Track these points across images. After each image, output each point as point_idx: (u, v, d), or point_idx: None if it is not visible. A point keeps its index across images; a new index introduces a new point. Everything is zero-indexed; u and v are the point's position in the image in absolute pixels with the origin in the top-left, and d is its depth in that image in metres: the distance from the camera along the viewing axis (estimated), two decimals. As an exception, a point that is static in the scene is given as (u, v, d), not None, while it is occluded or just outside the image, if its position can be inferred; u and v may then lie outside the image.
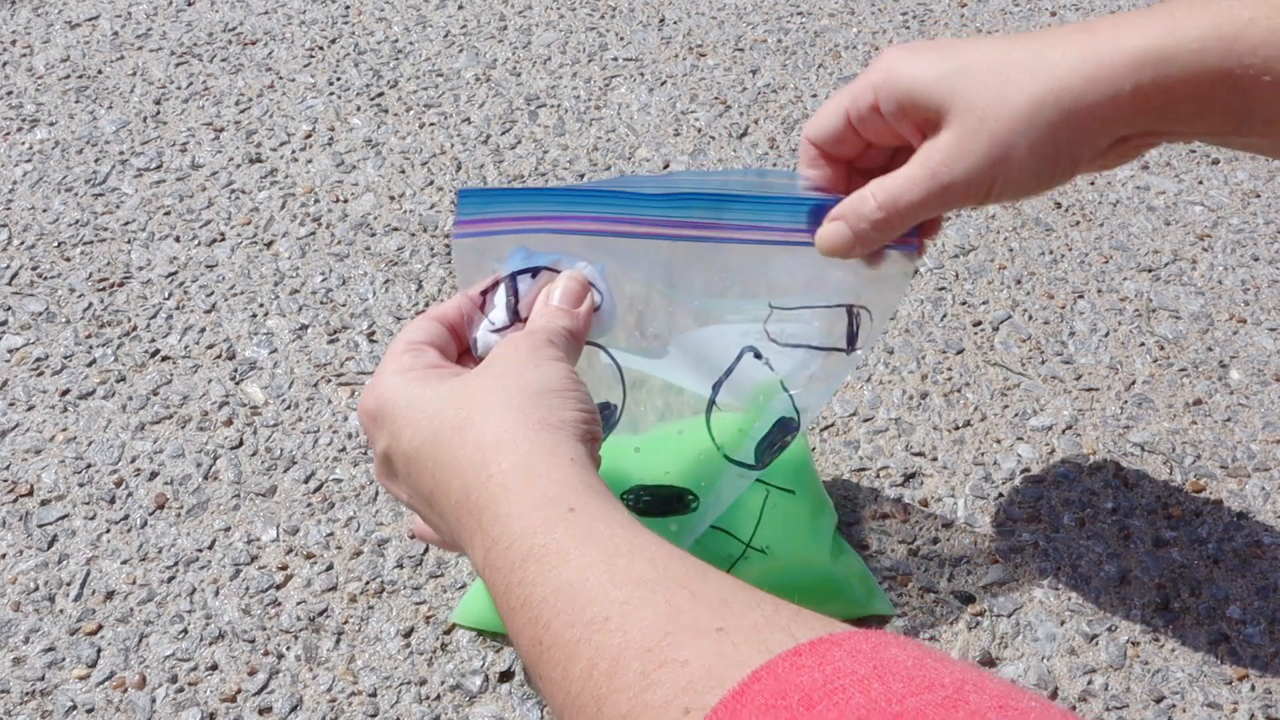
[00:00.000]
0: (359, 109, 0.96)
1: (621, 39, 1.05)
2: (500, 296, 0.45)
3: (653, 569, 0.32)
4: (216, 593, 0.60)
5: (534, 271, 0.45)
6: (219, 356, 0.74)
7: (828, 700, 0.25)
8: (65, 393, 0.71)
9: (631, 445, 0.54)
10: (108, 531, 0.63)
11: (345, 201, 0.86)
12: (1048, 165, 0.41)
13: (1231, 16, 0.38)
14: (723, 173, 0.48)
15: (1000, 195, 0.43)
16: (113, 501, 0.65)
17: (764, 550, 0.56)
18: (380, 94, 0.97)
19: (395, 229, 0.84)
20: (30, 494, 0.65)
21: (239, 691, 0.56)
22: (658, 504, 0.54)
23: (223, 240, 0.83)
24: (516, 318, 0.44)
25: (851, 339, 0.50)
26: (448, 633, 0.59)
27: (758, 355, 0.50)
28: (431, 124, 0.94)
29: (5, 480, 0.66)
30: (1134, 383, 0.74)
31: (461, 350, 0.46)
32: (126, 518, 0.64)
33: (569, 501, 0.35)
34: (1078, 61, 0.40)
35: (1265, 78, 0.38)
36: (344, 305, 0.78)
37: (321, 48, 1.03)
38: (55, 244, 0.82)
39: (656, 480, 0.54)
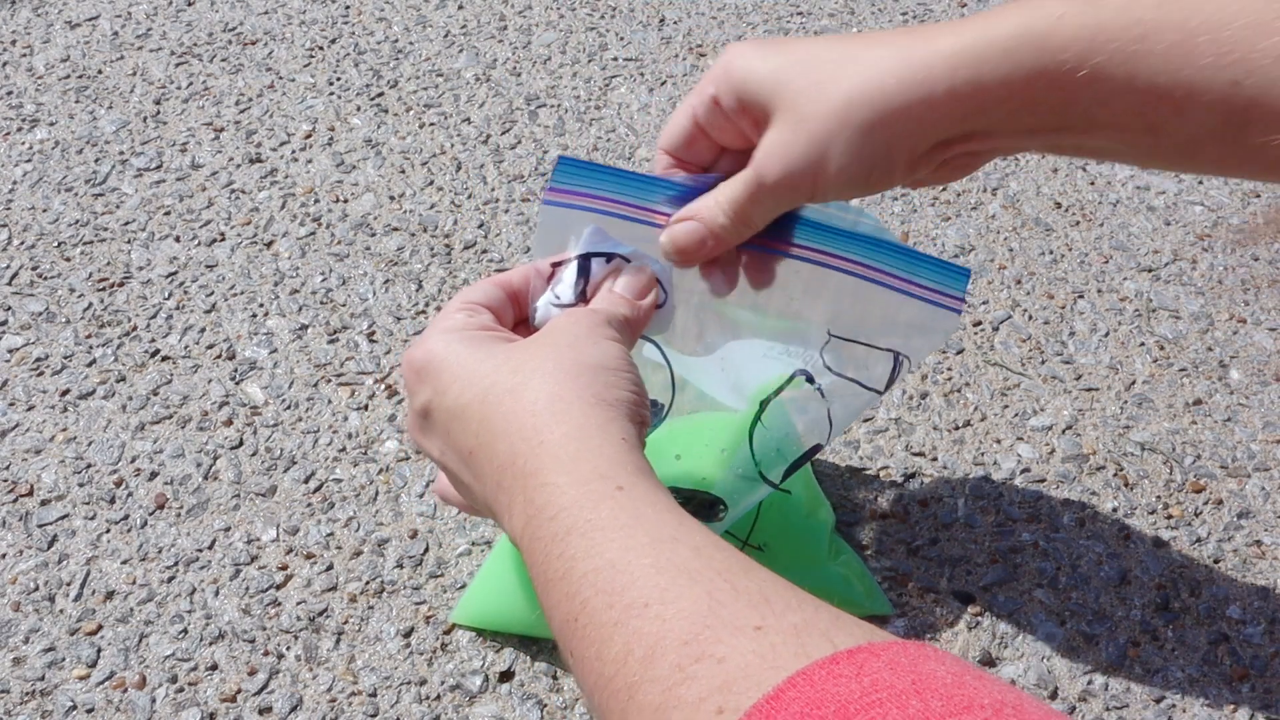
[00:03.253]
0: (359, 109, 0.96)
1: (621, 39, 1.05)
2: (570, 273, 0.46)
3: (697, 557, 0.32)
4: (216, 593, 0.60)
5: (608, 257, 0.46)
6: (219, 356, 0.74)
7: (864, 714, 0.25)
8: (65, 393, 0.71)
9: (673, 452, 0.55)
10: (108, 531, 0.63)
11: (345, 201, 0.86)
12: (864, 166, 0.41)
13: (1043, 14, 0.38)
14: None
15: (824, 195, 0.42)
16: (113, 501, 0.65)
17: (761, 548, 0.57)
18: (380, 94, 0.97)
19: (395, 229, 0.84)
20: (30, 494, 0.65)
21: (239, 691, 0.56)
22: (689, 509, 0.54)
23: (223, 240, 0.83)
24: (582, 298, 0.45)
25: (889, 382, 0.50)
26: (448, 633, 0.59)
27: (810, 379, 0.51)
28: (431, 124, 0.94)
29: (5, 480, 0.66)
30: (1134, 383, 0.74)
31: (518, 319, 0.46)
32: (126, 518, 0.64)
33: (618, 479, 0.35)
34: (894, 62, 0.40)
35: (1080, 73, 0.38)
36: (344, 305, 0.78)
37: (321, 48, 1.03)
38: (55, 244, 0.82)
39: (695, 488, 0.54)
